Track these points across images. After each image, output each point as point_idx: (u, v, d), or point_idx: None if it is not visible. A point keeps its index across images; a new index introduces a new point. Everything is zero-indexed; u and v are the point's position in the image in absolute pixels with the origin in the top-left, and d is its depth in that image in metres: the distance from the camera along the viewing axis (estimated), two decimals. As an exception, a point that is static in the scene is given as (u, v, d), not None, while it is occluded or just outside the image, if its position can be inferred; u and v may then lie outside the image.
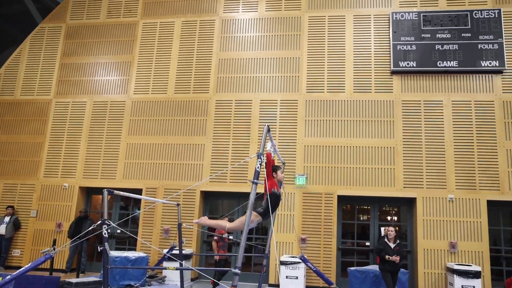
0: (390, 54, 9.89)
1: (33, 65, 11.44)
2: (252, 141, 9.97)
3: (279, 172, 4.77)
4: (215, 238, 8.37)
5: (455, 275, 8.19)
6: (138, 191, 10.00)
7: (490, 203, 9.07)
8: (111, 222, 4.42)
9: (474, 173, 9.19)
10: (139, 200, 10.29)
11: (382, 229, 9.29)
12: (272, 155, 4.91)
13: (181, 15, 11.02)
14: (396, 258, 7.36)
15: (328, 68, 10.14)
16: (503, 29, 9.58)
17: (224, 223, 4.79)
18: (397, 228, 9.89)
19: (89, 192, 10.73)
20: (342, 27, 10.29)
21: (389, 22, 10.05)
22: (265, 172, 4.63)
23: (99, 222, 4.37)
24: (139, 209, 10.42)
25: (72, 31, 11.51)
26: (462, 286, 8.01)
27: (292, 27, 10.49)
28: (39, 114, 11.04)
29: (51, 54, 11.43)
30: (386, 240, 7.68)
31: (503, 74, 9.52)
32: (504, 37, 9.55)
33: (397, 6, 10.20)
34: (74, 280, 7.72)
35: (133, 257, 8.60)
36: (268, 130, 4.35)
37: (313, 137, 9.80)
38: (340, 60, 10.13)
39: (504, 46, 9.51)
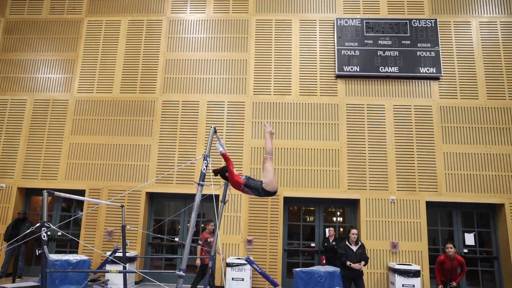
0: (334, 58, 10.13)
1: (-31, 60, 10.92)
2: (199, 142, 9.92)
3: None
4: (199, 242, 8.09)
5: (396, 275, 8.43)
6: (81, 192, 9.72)
7: (429, 204, 9.44)
8: (50, 224, 4.29)
9: (414, 175, 9.53)
10: (82, 202, 10.00)
11: (327, 230, 9.47)
12: (225, 150, 4.84)
13: (127, 14, 10.84)
14: (359, 266, 6.71)
15: (275, 70, 10.26)
16: (439, 38, 10.04)
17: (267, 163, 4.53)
18: (341, 229, 10.14)
19: (28, 193, 10.31)
20: (288, 31, 10.45)
21: (333, 28, 10.31)
22: (223, 172, 4.73)
23: (38, 225, 4.22)
24: (81, 210, 10.11)
25: (11, 26, 11.06)
26: (402, 285, 8.24)
27: (240, 30, 10.55)
28: (-24, 111, 10.53)
29: (-11, 49, 10.95)
30: (347, 243, 7.01)
31: (440, 80, 9.96)
32: (440, 45, 10.01)
33: (341, 12, 10.48)
34: (10, 285, 7.42)
35: (74, 261, 8.30)
36: (215, 132, 4.37)
37: (260, 139, 9.86)
38: (287, 63, 10.28)
39: (441, 54, 9.97)
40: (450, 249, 6.82)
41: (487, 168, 9.47)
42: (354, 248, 6.95)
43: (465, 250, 9.47)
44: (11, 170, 10.06)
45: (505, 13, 10.32)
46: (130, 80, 10.42)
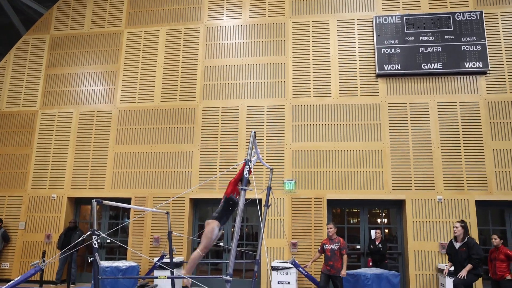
0: (374, 57, 9.93)
1: (18, 77, 11.39)
2: (240, 147, 9.97)
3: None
4: None
5: (446, 277, 8.20)
6: (127, 200, 9.96)
7: (479, 203, 9.12)
8: (100, 232, 4.42)
9: (462, 174, 9.24)
10: (128, 209, 10.26)
11: (373, 232, 9.32)
12: (254, 163, 4.93)
13: (165, 23, 11.02)
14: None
15: (313, 72, 10.17)
16: (485, 31, 9.66)
17: (195, 254, 4.82)
18: (386, 231, 9.97)
19: (77, 203, 10.68)
20: (326, 32, 10.33)
21: (372, 26, 10.11)
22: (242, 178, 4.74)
23: (88, 233, 4.36)
24: (128, 218, 10.38)
25: (56, 42, 11.47)
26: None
27: (277, 33, 10.52)
28: (25, 125, 10.98)
29: (36, 66, 11.38)
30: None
31: (487, 75, 9.59)
32: (486, 38, 9.64)
33: (380, 10, 10.26)
34: (64, 292, 7.70)
35: (124, 267, 8.54)
36: (255, 137, 4.38)
37: (301, 141, 9.81)
38: (325, 65, 10.16)
39: (487, 47, 9.59)
40: (494, 240, 6.89)
41: (541, 164, 9.06)
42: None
43: (520, 250, 9.09)
44: (61, 181, 10.45)
45: (554, 1, 9.82)
46: (170, 89, 10.60)
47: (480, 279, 6.83)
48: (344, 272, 7.20)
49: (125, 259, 9.86)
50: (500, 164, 9.18)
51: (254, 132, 4.35)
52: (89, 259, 4.60)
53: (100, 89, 10.95)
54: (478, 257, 6.21)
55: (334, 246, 7.38)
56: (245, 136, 9.99)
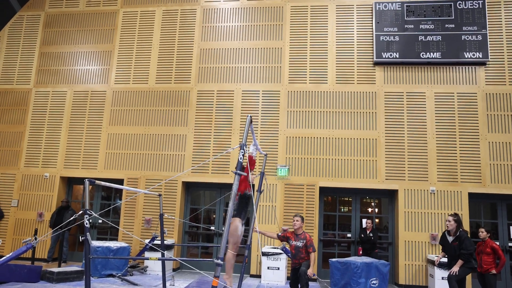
0: (373, 45, 9.77)
1: (12, 54, 11.28)
2: (234, 132, 9.90)
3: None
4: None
5: (435, 267, 8.21)
6: (120, 181, 9.96)
7: (472, 196, 9.08)
8: (92, 212, 4.40)
9: (456, 166, 9.17)
10: (120, 190, 10.27)
11: (364, 221, 9.31)
12: (254, 154, 4.91)
13: (161, 4, 10.84)
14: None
15: (310, 58, 10.03)
16: (487, 20, 9.47)
17: (228, 255, 5.00)
18: (377, 220, 9.95)
19: (70, 182, 10.69)
20: (324, 17, 10.15)
21: (372, 13, 9.92)
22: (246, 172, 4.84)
23: (80, 212, 4.34)
24: (120, 199, 10.39)
25: (51, 19, 11.32)
26: (442, 277, 8.01)
27: (274, 17, 10.34)
28: (19, 103, 10.92)
29: (30, 43, 11.26)
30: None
31: (486, 66, 9.44)
32: (488, 28, 9.44)
33: (380, -4, 10.06)
34: (56, 269, 7.74)
35: (115, 247, 8.58)
36: (251, 121, 4.32)
37: (295, 128, 9.73)
38: (323, 51, 10.02)
39: (488, 37, 9.41)
40: (481, 233, 6.81)
41: (536, 158, 8.97)
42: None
43: (510, 244, 9.09)
44: (54, 160, 10.43)
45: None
46: (165, 70, 10.49)
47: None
48: (311, 271, 6.05)
49: (116, 240, 9.91)
50: (495, 157, 9.10)
51: (250, 117, 4.28)
52: (81, 239, 4.57)
53: (95, 69, 10.84)
54: (467, 252, 6.21)
55: (299, 243, 6.27)
56: (240, 120, 9.91)
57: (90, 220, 4.29)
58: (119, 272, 8.41)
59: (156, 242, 8.75)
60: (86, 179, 4.43)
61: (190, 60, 10.43)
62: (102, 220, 10.03)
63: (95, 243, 8.51)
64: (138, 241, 9.47)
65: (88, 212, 4.23)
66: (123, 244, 8.90)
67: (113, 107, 10.48)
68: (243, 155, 3.97)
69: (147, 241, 9.01)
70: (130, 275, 8.69)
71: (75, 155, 10.38)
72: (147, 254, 8.90)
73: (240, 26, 10.45)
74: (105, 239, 10.13)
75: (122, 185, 9.76)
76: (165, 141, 10.14)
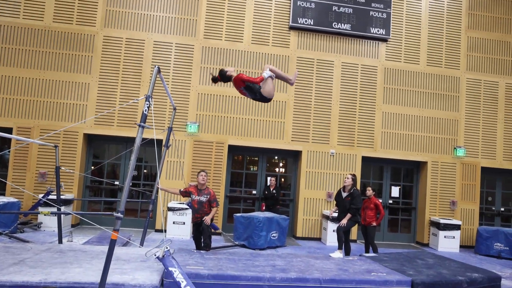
0: (290, 9, 9.87)
1: None
2: (143, 83, 9.38)
3: None
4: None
5: (328, 221, 9.14)
6: (8, 130, 8.83)
7: (365, 159, 10.12)
8: None
9: (354, 131, 10.05)
10: (8, 141, 9.15)
11: (268, 178, 9.80)
12: (266, 76, 4.55)
13: None
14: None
15: (227, 15, 9.78)
16: (391, 0, 10.19)
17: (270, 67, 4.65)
18: (282, 179, 10.56)
19: None
20: (245, -27, 9.87)
21: (292, -25, 9.93)
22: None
23: None
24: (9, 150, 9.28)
25: None
26: (333, 230, 8.90)
27: (193, -36, 9.73)
28: None
29: None
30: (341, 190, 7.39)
31: (388, 42, 10.26)
32: (392, 8, 10.19)
33: (301, -41, 10.08)
34: None
35: (1, 203, 7.76)
36: (159, 71, 4.11)
37: (207, 85, 9.57)
38: (241, 9, 9.82)
39: (392, 16, 10.17)
40: (368, 191, 7.82)
41: (417, 129, 10.27)
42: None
43: (390, 201, 10.47)
44: None
45: (453, -19, 10.68)
46: (66, 8, 9.28)
47: (356, 225, 7.77)
48: (208, 219, 6.24)
49: (3, 195, 8.93)
50: (386, 125, 10.17)
51: (158, 67, 4.06)
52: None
53: (-25, -5, 9.13)
54: (356, 207, 7.04)
55: (203, 198, 6.34)
56: (149, 72, 9.39)
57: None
58: (6, 230, 7.67)
59: (51, 197, 8.11)
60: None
61: (96, 0, 9.38)
62: (-14, 173, 8.91)
63: (-23, 198, 7.60)
64: (31, 196, 8.67)
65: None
66: (12, 199, 8.11)
67: (2, 44, 9.05)
68: (148, 107, 3.79)
69: (41, 196, 8.29)
70: (21, 232, 8.03)
71: (-51, 97, 8.85)
72: (41, 209, 8.22)
73: (155, -31, 9.63)
74: (-11, 194, 9.06)
75: (11, 134, 8.68)
76: (64, 89, 9.18)
